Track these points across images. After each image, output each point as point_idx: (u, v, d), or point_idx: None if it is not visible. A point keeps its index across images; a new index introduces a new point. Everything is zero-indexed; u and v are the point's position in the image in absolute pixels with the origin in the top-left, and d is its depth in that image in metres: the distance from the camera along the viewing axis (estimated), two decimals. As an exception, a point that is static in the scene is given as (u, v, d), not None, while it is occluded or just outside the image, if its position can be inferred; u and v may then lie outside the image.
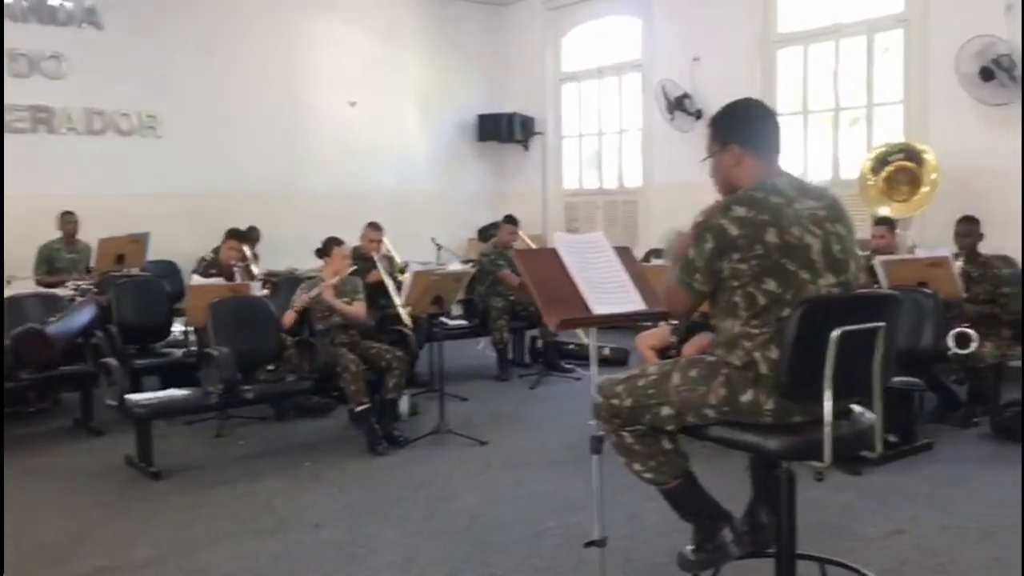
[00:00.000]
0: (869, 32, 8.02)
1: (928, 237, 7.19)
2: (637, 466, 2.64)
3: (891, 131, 7.93)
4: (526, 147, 11.28)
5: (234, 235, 6.64)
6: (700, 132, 9.16)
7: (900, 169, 7.04)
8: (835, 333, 2.25)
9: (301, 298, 5.57)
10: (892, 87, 7.98)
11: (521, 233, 8.02)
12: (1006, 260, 6.92)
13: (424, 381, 6.58)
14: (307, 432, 5.69)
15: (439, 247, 9.19)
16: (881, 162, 7.13)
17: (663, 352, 5.76)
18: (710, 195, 2.64)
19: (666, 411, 2.52)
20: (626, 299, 2.85)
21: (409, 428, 5.56)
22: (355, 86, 10.22)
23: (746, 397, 2.39)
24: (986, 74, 6.96)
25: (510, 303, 7.47)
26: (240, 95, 9.28)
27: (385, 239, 7.10)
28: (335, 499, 4.34)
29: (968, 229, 5.72)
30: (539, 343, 7.70)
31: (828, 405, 2.28)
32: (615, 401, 2.60)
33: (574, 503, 4.07)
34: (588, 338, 3.21)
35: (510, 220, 7.90)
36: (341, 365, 5.22)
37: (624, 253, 3.01)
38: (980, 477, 4.49)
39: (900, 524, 3.75)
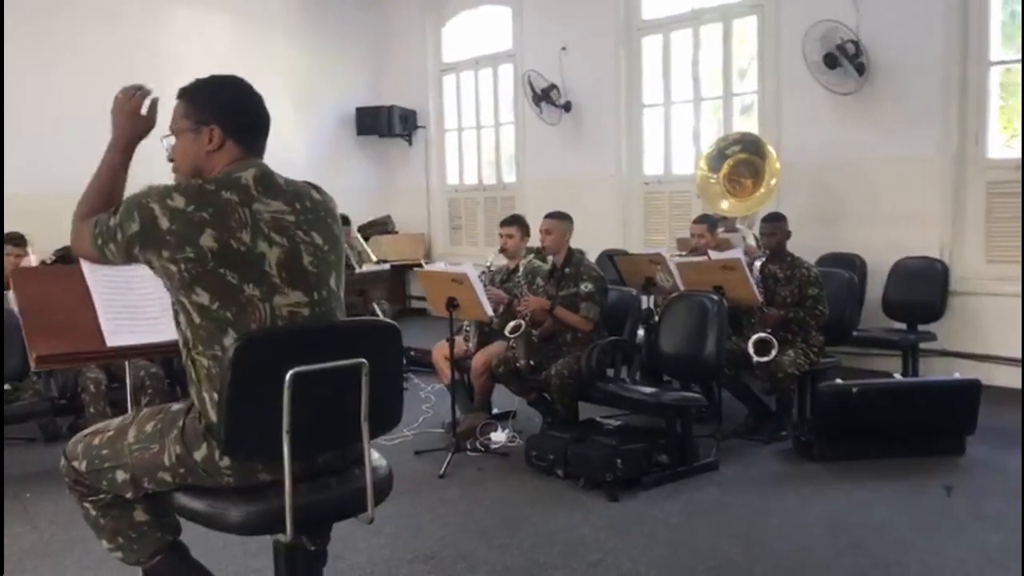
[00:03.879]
0: (725, 19, 7.58)
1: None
2: (105, 543, 2.19)
3: (748, 122, 7.51)
4: (409, 141, 10.80)
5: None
6: (568, 125, 8.81)
7: (741, 162, 6.60)
8: (289, 374, 1.81)
9: None
10: (750, 75, 7.56)
11: None
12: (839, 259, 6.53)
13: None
14: (67, 456, 5.21)
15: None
16: (719, 158, 6.69)
17: (459, 362, 5.35)
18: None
19: (121, 476, 2.05)
20: (168, 327, 2.38)
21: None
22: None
23: (200, 453, 1.94)
24: (831, 61, 6.54)
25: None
26: (89, 88, 8.65)
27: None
28: (16, 541, 3.86)
29: (773, 228, 5.24)
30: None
31: (287, 463, 1.83)
32: (75, 463, 2.13)
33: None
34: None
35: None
36: (81, 384, 4.76)
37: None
38: (742, 506, 4.06)
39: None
